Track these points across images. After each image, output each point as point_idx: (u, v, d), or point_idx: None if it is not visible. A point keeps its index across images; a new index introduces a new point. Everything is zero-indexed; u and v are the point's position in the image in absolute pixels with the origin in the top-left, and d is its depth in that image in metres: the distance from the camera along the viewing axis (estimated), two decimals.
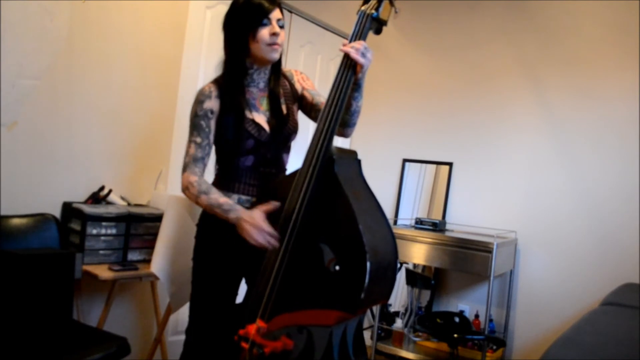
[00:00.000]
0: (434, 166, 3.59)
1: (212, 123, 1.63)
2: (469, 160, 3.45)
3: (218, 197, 1.57)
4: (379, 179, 3.67)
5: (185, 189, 1.61)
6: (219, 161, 1.71)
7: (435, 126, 3.61)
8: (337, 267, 1.38)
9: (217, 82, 1.67)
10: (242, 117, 1.63)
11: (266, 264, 1.52)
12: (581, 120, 3.08)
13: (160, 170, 2.61)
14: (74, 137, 2.29)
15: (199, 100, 1.63)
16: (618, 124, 2.97)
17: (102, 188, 2.36)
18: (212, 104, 1.62)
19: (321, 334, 1.41)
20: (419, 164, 3.66)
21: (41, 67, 2.14)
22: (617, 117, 2.97)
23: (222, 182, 1.69)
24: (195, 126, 1.62)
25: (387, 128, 3.77)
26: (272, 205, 1.52)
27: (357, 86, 1.57)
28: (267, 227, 1.48)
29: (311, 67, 3.47)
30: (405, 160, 3.71)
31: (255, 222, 1.48)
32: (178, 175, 2.66)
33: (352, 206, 1.39)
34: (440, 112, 3.60)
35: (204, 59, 2.78)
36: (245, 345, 1.47)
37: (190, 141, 1.63)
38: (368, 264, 1.32)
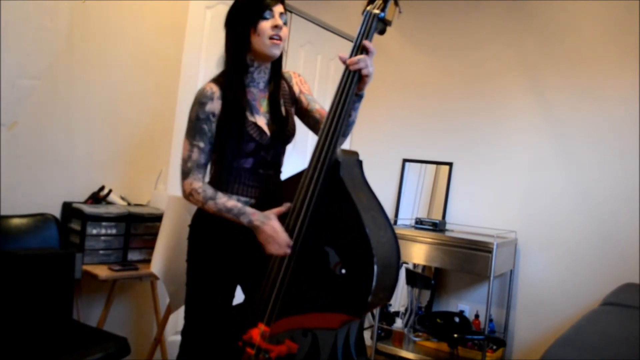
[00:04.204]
0: (434, 166, 3.59)
1: (214, 126, 1.59)
2: (469, 160, 3.45)
3: (225, 202, 1.55)
4: (379, 179, 3.67)
5: (189, 195, 1.59)
6: (216, 162, 1.67)
7: (435, 126, 3.61)
8: (343, 271, 1.37)
9: (217, 81, 1.62)
10: (244, 119, 1.60)
11: (272, 267, 1.51)
12: (581, 120, 3.08)
13: (160, 170, 2.61)
14: (74, 137, 2.29)
15: (200, 102, 1.58)
16: (618, 124, 2.97)
17: (102, 188, 2.36)
18: (214, 106, 1.58)
19: (326, 336, 1.41)
20: (419, 164, 3.66)
21: (41, 67, 2.14)
22: (617, 117, 2.97)
23: (220, 183, 1.65)
24: (197, 130, 1.58)
25: (387, 128, 3.77)
26: (285, 207, 1.51)
27: (359, 97, 1.56)
28: (285, 237, 1.47)
29: (311, 67, 3.46)
30: (405, 160, 3.71)
31: (275, 234, 1.47)
32: (178, 175, 2.67)
33: (358, 210, 1.38)
34: (440, 112, 3.60)
35: (204, 59, 2.78)
36: (250, 351, 1.46)
37: (192, 145, 1.58)
38: (375, 268, 1.32)
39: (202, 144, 1.58)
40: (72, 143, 2.29)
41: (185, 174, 1.60)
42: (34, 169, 2.17)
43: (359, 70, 1.46)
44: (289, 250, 1.46)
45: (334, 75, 3.67)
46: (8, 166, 2.07)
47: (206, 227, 1.66)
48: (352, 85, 1.48)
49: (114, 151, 2.44)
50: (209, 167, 1.68)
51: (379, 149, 3.76)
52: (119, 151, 2.46)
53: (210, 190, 1.57)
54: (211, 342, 1.66)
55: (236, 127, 1.59)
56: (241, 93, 1.61)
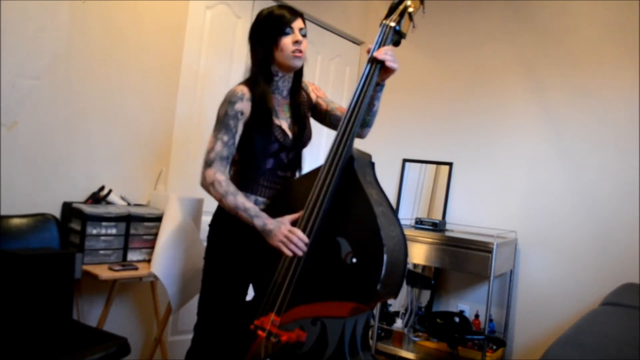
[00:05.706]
0: (434, 166, 3.59)
1: (240, 125, 1.68)
2: (469, 160, 3.46)
3: (245, 201, 1.62)
4: (379, 179, 3.66)
5: (210, 185, 1.63)
6: (238, 162, 1.75)
7: (435, 126, 3.61)
8: (354, 260, 1.43)
9: (247, 84, 1.72)
10: (271, 122, 1.70)
11: (284, 259, 1.57)
12: (581, 120, 3.08)
13: (160, 170, 2.61)
14: (74, 137, 2.29)
15: (230, 101, 1.67)
16: (618, 124, 2.97)
17: (102, 188, 2.36)
18: (243, 106, 1.67)
19: (334, 325, 1.47)
20: (419, 164, 3.66)
21: (41, 67, 2.14)
22: (617, 117, 2.97)
23: (241, 183, 1.73)
24: (224, 125, 1.66)
25: (387, 128, 3.77)
26: (299, 215, 1.57)
27: (381, 86, 1.66)
28: (302, 235, 1.52)
29: (311, 67, 3.46)
30: (405, 160, 3.71)
31: (290, 235, 1.53)
32: (178, 176, 2.69)
33: (370, 201, 1.46)
34: (440, 112, 3.60)
35: (204, 59, 2.78)
36: (262, 333, 1.54)
37: (216, 138, 1.66)
38: (385, 256, 1.39)
39: (226, 138, 1.66)
40: (72, 143, 2.29)
41: (208, 163, 1.65)
42: (34, 169, 2.17)
43: (384, 61, 1.57)
44: (305, 249, 1.52)
45: (334, 75, 3.67)
46: (8, 166, 2.07)
47: (226, 226, 1.74)
48: (374, 75, 1.59)
49: (114, 151, 2.44)
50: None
51: (379, 149, 3.75)
52: (119, 151, 2.46)
53: (232, 187, 1.64)
54: (224, 337, 1.73)
55: (264, 129, 1.69)
56: (268, 98, 1.72)
